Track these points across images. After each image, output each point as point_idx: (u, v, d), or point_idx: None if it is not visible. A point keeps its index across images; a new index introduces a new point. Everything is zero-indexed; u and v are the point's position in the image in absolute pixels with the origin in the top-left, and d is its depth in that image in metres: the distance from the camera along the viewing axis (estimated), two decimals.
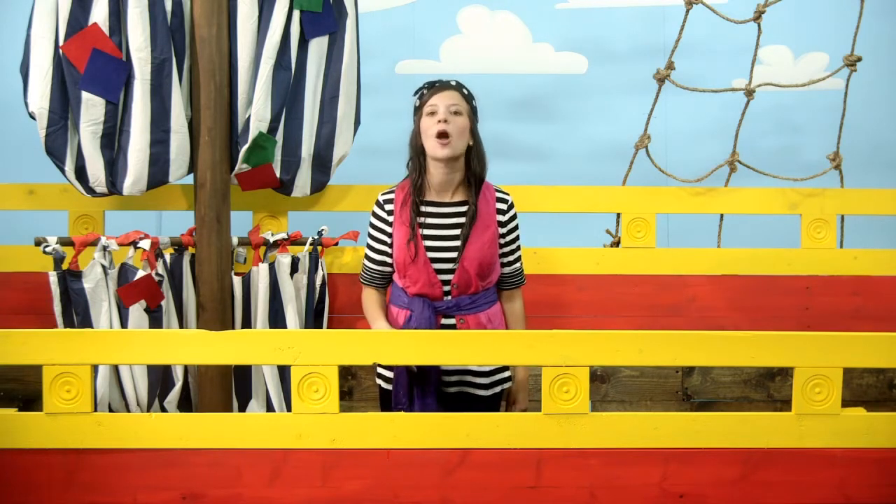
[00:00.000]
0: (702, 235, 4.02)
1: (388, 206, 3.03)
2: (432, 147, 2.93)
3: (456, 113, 2.94)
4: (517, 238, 3.09)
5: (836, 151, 3.92)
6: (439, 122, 2.91)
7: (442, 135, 2.91)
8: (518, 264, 3.11)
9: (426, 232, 2.98)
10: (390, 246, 3.03)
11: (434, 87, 2.99)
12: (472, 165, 3.00)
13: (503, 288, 3.11)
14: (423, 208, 2.99)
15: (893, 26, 4.61)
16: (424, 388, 2.95)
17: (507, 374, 3.09)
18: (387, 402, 3.05)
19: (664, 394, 3.60)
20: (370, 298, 3.11)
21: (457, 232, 2.99)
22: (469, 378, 3.01)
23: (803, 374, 2.67)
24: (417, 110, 3.01)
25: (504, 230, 3.04)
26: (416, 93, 3.04)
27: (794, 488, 2.69)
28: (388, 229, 3.02)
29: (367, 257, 3.09)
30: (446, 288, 2.99)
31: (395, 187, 3.07)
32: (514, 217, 3.07)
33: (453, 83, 3.01)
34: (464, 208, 3.00)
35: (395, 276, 3.06)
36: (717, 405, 3.60)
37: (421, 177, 3.00)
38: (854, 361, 2.70)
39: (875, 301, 3.76)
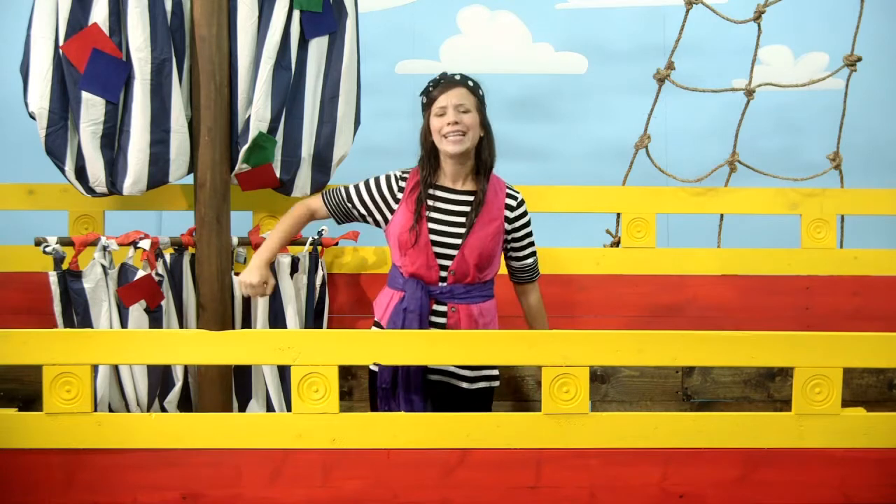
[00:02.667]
0: (702, 235, 4.02)
1: (402, 184, 3.06)
2: (444, 144, 2.98)
3: (465, 111, 2.98)
4: (529, 234, 3.12)
5: (836, 151, 3.92)
6: (449, 124, 2.96)
7: (454, 135, 2.96)
8: (531, 260, 3.14)
9: (433, 215, 3.01)
10: (369, 213, 3.08)
11: (440, 84, 3.01)
12: (482, 155, 3.03)
13: (517, 281, 3.16)
14: (433, 192, 3.02)
15: (893, 26, 4.61)
16: (409, 377, 2.97)
17: (494, 371, 3.09)
18: (374, 385, 3.06)
19: (664, 394, 3.59)
20: (296, 210, 3.17)
21: (462, 219, 3.01)
22: (452, 369, 3.01)
23: (803, 374, 2.67)
24: (425, 107, 3.04)
25: (512, 227, 3.07)
26: (422, 92, 3.06)
27: (794, 488, 2.69)
28: (383, 203, 3.06)
29: (349, 191, 3.12)
30: (443, 273, 3.00)
31: (411, 170, 3.09)
32: (523, 214, 3.09)
33: (458, 77, 3.03)
34: (472, 197, 3.03)
35: (395, 257, 3.07)
36: (717, 405, 3.60)
37: (432, 170, 3.04)
38: (854, 361, 2.70)
39: (875, 301, 3.76)
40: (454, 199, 3.03)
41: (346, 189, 3.14)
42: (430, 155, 3.03)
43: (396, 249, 3.05)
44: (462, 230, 2.99)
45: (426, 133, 3.03)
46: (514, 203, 3.07)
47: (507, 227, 3.06)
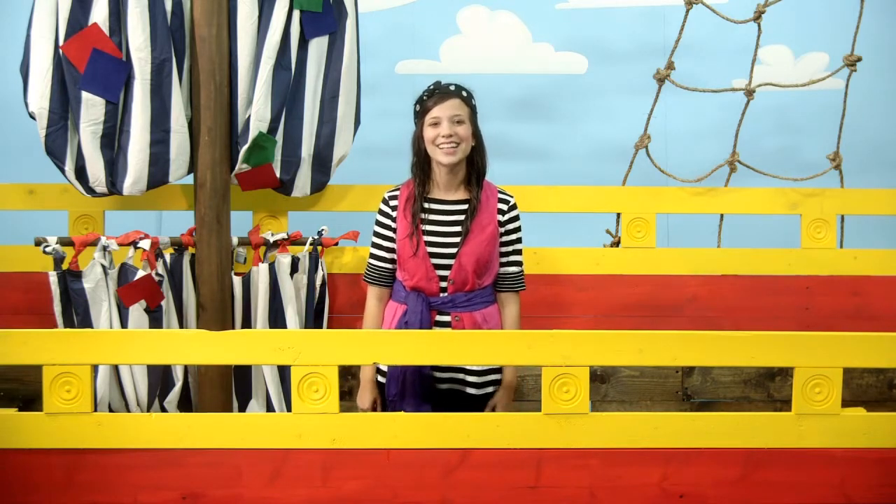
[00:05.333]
0: (702, 235, 4.02)
1: (393, 203, 3.07)
2: (438, 155, 2.98)
3: (459, 122, 2.98)
4: (518, 241, 3.10)
5: (836, 151, 3.92)
6: (444, 136, 2.96)
7: (448, 146, 2.96)
8: (517, 268, 3.10)
9: (428, 227, 3.01)
10: (395, 241, 3.05)
11: (434, 94, 3.01)
12: (474, 163, 3.04)
13: (500, 290, 3.11)
14: (427, 205, 3.03)
15: (893, 26, 4.61)
16: (417, 388, 2.98)
17: (499, 375, 3.09)
18: (382, 394, 3.08)
19: (664, 394, 3.59)
20: (370, 311, 3.12)
21: (458, 229, 3.01)
22: (461, 376, 3.03)
23: (803, 374, 2.67)
24: (419, 116, 3.04)
25: (503, 230, 3.06)
26: (416, 101, 3.06)
27: (794, 488, 2.69)
28: (394, 224, 3.05)
29: (372, 255, 3.11)
30: (443, 284, 3.01)
31: (401, 185, 3.10)
32: (514, 218, 3.08)
33: (452, 88, 3.03)
34: (465, 206, 3.03)
35: (397, 270, 3.08)
36: (717, 405, 3.60)
37: (425, 177, 3.04)
38: (854, 361, 2.70)
39: (875, 301, 3.76)
40: (448, 209, 3.03)
41: (369, 255, 3.11)
42: (423, 162, 3.03)
43: (398, 261, 3.06)
44: (457, 239, 3.00)
45: (419, 141, 3.02)
46: (505, 207, 3.07)
47: (500, 229, 3.05)
